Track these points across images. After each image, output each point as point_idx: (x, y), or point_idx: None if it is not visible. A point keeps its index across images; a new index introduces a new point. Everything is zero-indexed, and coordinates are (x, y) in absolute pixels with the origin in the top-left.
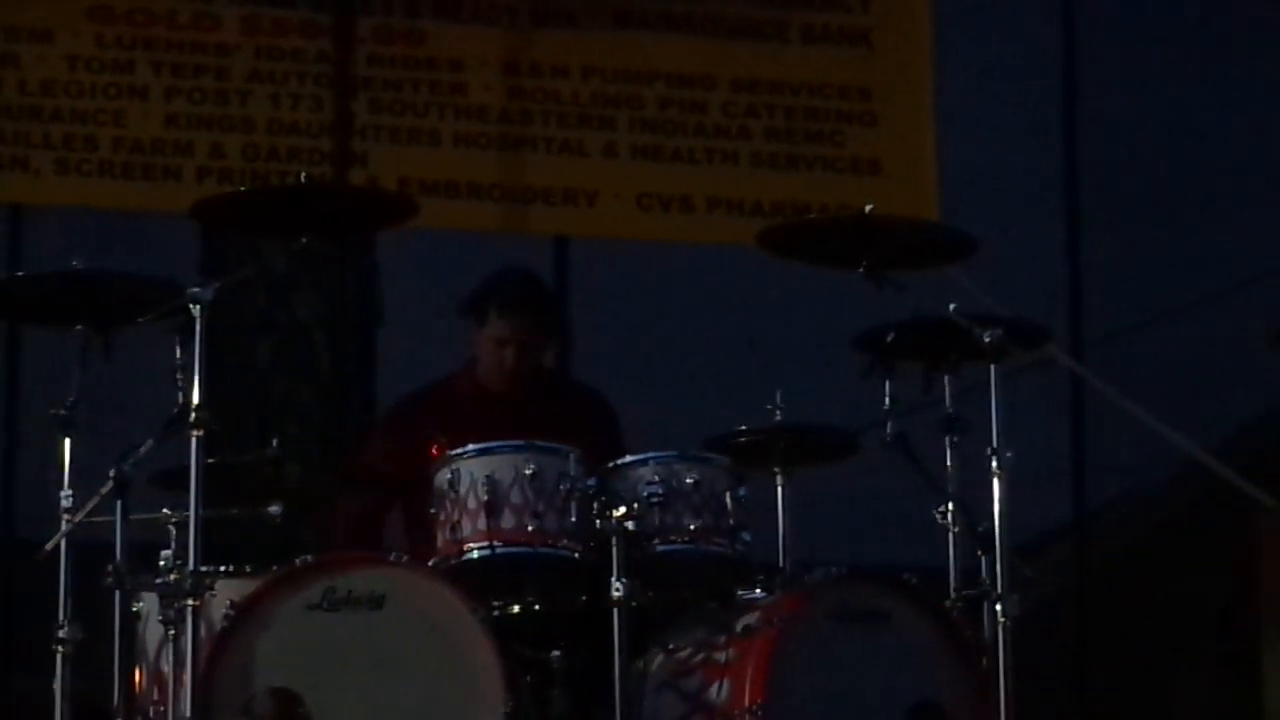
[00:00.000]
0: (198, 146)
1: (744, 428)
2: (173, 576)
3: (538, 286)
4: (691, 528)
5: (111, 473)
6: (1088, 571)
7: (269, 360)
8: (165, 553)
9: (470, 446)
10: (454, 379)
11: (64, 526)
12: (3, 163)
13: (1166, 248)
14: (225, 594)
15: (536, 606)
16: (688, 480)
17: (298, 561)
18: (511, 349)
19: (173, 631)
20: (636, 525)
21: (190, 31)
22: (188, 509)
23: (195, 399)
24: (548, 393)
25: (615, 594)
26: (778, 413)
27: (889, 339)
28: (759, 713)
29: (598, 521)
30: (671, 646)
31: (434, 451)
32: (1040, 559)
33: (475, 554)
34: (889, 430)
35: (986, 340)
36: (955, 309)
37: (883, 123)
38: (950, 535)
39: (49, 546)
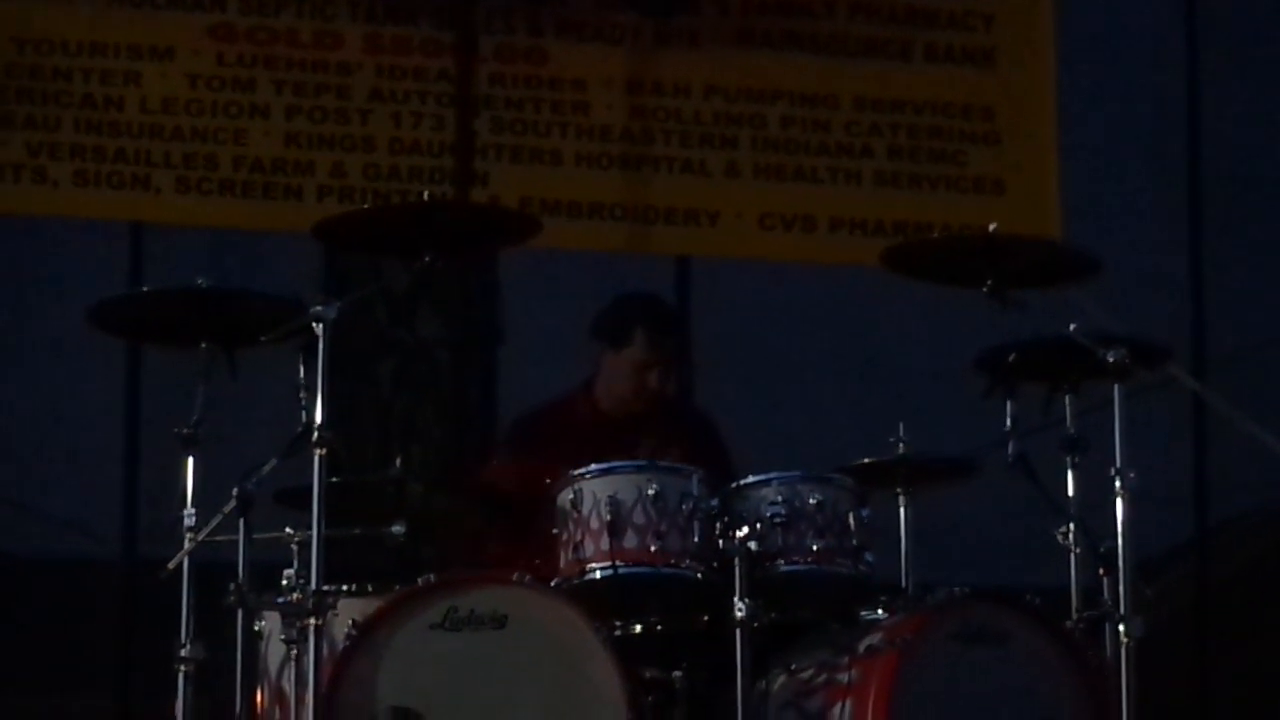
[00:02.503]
0: (319, 165)
1: (867, 460)
2: (295, 596)
3: (675, 310)
4: (814, 548)
5: (235, 491)
6: (1209, 592)
7: (390, 380)
8: (288, 572)
9: (593, 466)
10: (572, 400)
11: (187, 545)
12: (124, 181)
13: None
14: (347, 613)
15: (659, 626)
16: (811, 501)
17: (420, 581)
18: (656, 373)
19: (295, 651)
20: (759, 545)
21: (312, 50)
22: (310, 528)
23: (318, 418)
24: (660, 414)
25: (738, 614)
26: (900, 445)
27: (1010, 359)
28: None
29: (720, 541)
30: (794, 667)
31: (550, 475)
32: (1161, 579)
33: (598, 574)
34: (1010, 451)
35: (1110, 360)
36: (1076, 329)
37: (1006, 142)
38: (1071, 556)
39: (171, 565)
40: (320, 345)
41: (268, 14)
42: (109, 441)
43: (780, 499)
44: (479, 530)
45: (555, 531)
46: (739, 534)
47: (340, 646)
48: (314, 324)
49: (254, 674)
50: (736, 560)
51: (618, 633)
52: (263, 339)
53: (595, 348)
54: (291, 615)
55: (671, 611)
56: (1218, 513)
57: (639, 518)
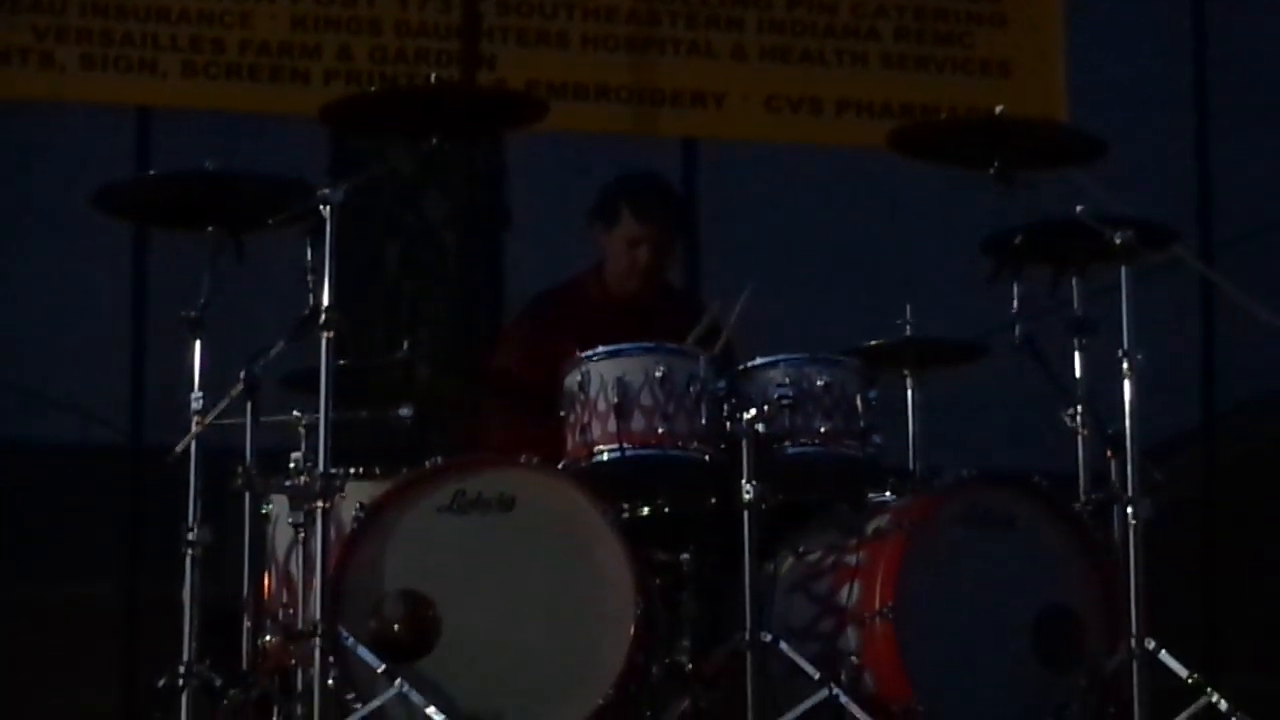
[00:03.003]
0: (325, 48)
1: (874, 342)
2: (302, 479)
3: (668, 187)
4: (822, 430)
5: (242, 375)
6: (1216, 475)
7: (397, 263)
8: (295, 455)
9: (600, 349)
10: (581, 281)
11: (194, 429)
12: (130, 65)
13: None
14: (355, 496)
15: (666, 509)
16: (818, 382)
17: (427, 464)
18: (645, 248)
19: (302, 534)
20: (767, 427)
21: None
22: (317, 411)
23: (325, 301)
24: (670, 298)
25: (745, 496)
26: (907, 326)
27: (1017, 241)
28: (889, 615)
29: (728, 424)
30: (801, 549)
31: (561, 355)
32: (1169, 462)
33: (605, 456)
34: (1017, 333)
35: (1117, 241)
36: (1083, 210)
37: (1012, 24)
38: (1079, 438)
39: (179, 449)
40: (327, 228)
41: None
42: (116, 326)
43: (787, 380)
44: (487, 413)
45: (562, 414)
46: (746, 416)
47: (347, 530)
48: (321, 207)
49: (261, 557)
50: (744, 442)
51: (625, 515)
52: (269, 222)
53: (595, 231)
54: (299, 498)
55: (679, 494)
56: (1225, 396)
57: (646, 399)
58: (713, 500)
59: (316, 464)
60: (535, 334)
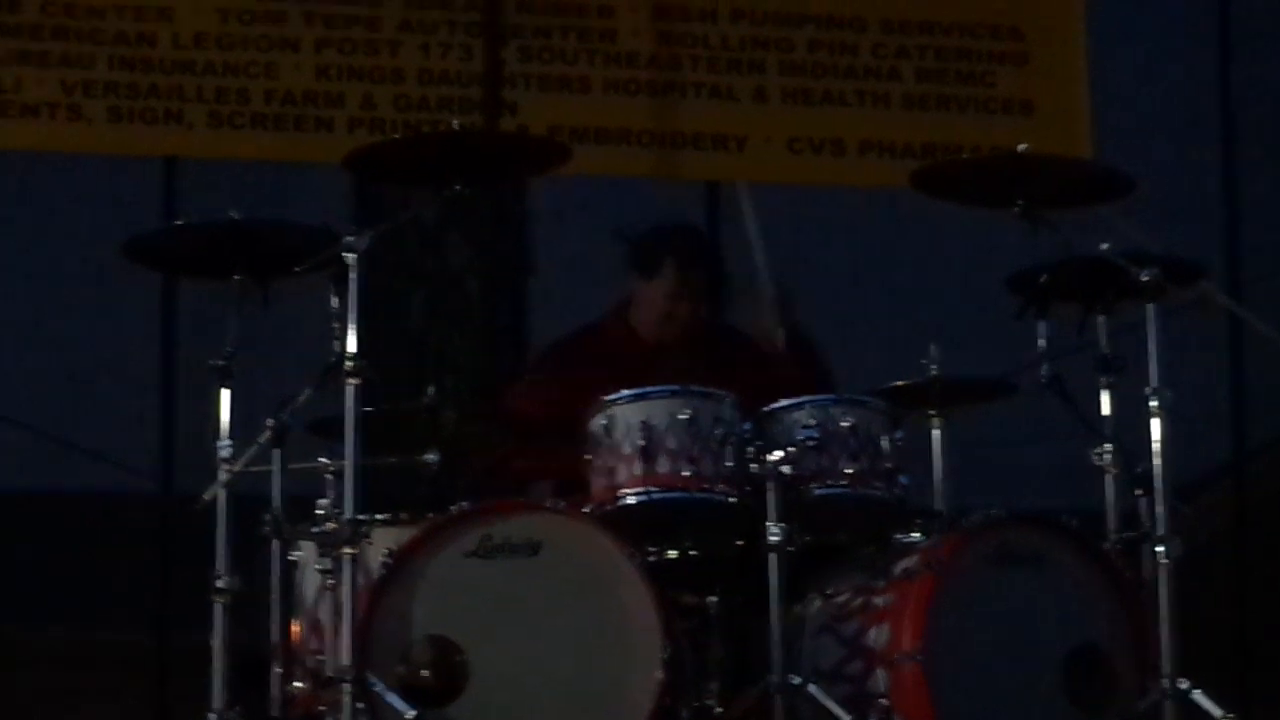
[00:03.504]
0: (349, 97)
1: (899, 383)
2: (330, 525)
3: (708, 242)
4: (848, 471)
5: (269, 422)
6: (1247, 513)
7: (422, 309)
8: (322, 502)
9: (625, 392)
10: (604, 326)
11: (222, 477)
12: (157, 116)
13: None
14: (382, 542)
15: (693, 552)
16: (844, 424)
17: (454, 509)
18: (686, 303)
19: (330, 580)
20: (793, 469)
21: None
22: (344, 458)
23: (351, 348)
24: (698, 339)
25: (772, 538)
26: (933, 367)
27: (1042, 280)
28: (918, 657)
29: (753, 466)
30: (829, 591)
31: (583, 399)
32: (1199, 500)
33: (631, 499)
34: (1044, 372)
35: (1144, 279)
36: (1109, 248)
37: (1034, 62)
38: (1108, 477)
39: (207, 496)
40: (352, 275)
41: None
42: (144, 375)
43: (813, 422)
44: (503, 454)
45: (588, 457)
46: (772, 458)
47: (375, 576)
48: (346, 254)
49: (290, 604)
50: (770, 484)
51: (652, 558)
52: (295, 270)
53: (630, 277)
54: (327, 545)
55: (705, 536)
56: (1255, 433)
57: (672, 442)
58: (739, 543)
59: (344, 510)
60: (558, 375)
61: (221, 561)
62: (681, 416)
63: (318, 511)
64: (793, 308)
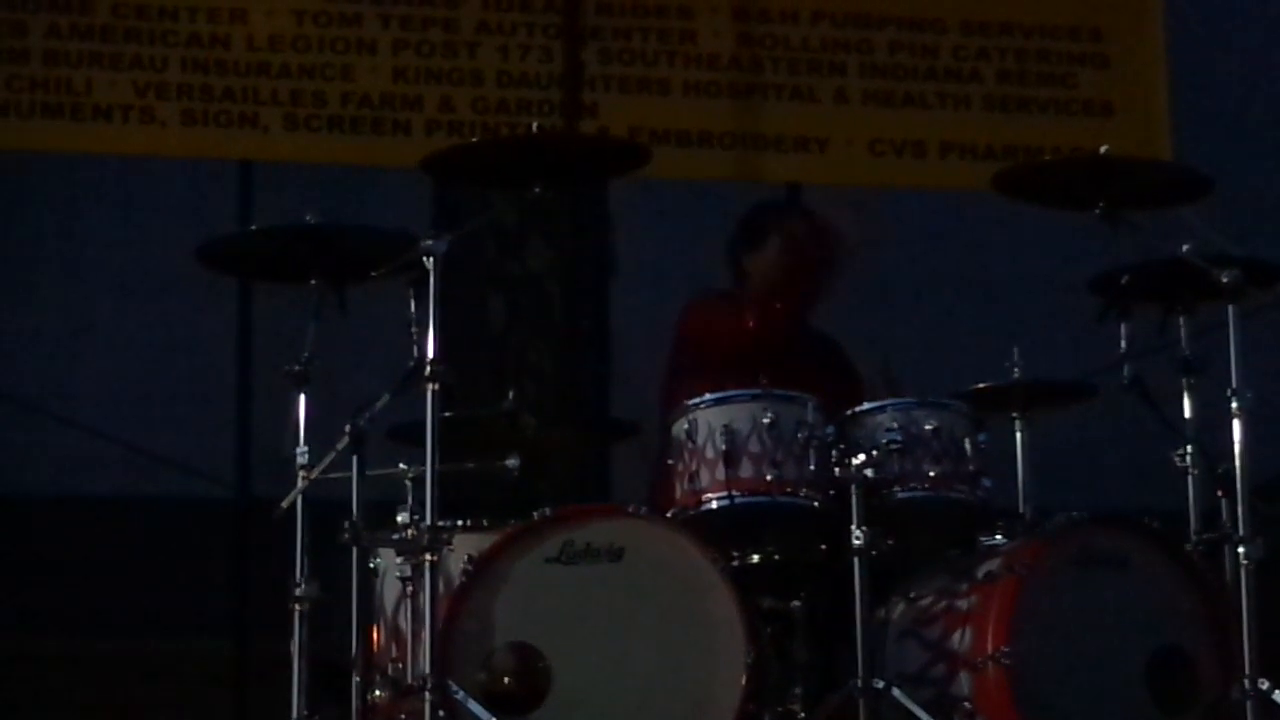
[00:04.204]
0: (427, 100)
1: (982, 385)
2: (410, 532)
3: (814, 214)
4: (931, 474)
5: (347, 428)
6: None
7: (502, 313)
8: (402, 508)
9: (707, 396)
10: (731, 296)
11: (300, 483)
12: (232, 120)
13: None
14: (463, 549)
15: (776, 556)
16: (927, 427)
17: (535, 515)
18: (797, 267)
19: (410, 588)
20: (876, 473)
21: None
22: (424, 464)
23: (430, 352)
24: (815, 342)
25: (855, 542)
26: (1016, 369)
27: (1124, 281)
28: (1002, 659)
29: (837, 469)
30: (913, 594)
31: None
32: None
33: (714, 504)
34: (1125, 374)
35: (1224, 281)
36: (1190, 250)
37: (1114, 64)
38: (1189, 478)
39: (285, 504)
40: (431, 279)
41: None
42: (221, 381)
43: (896, 425)
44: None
45: (670, 462)
46: (855, 461)
47: (456, 582)
48: (424, 258)
49: (370, 612)
50: (853, 488)
51: (735, 563)
52: (373, 274)
53: (740, 258)
54: (406, 552)
55: (789, 541)
56: None
57: (754, 446)
58: (823, 547)
59: (424, 517)
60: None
61: (300, 569)
62: (764, 420)
63: (397, 518)
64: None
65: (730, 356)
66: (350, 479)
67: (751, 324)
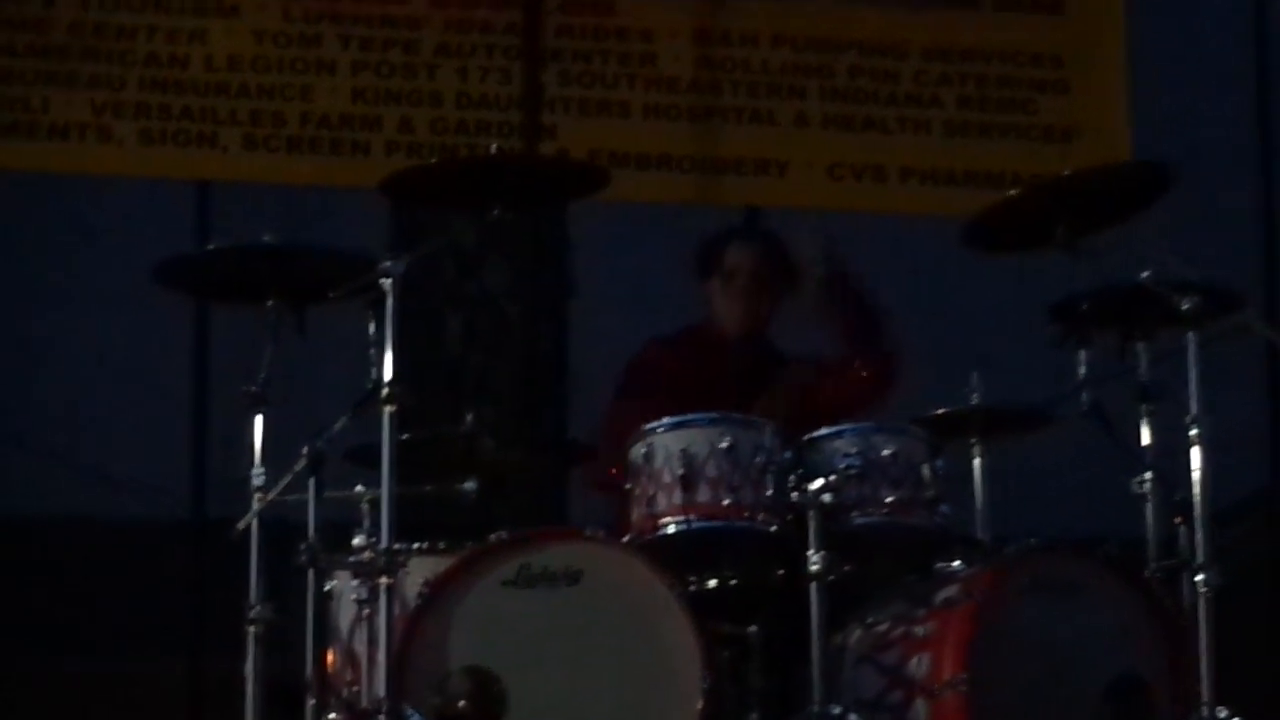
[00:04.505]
0: (386, 121)
1: (940, 411)
2: (366, 554)
3: (770, 234)
4: (889, 500)
5: (305, 450)
6: None
7: (460, 335)
8: (358, 530)
9: (665, 420)
10: (693, 331)
11: (256, 505)
12: (190, 139)
13: None
14: (419, 572)
15: (733, 581)
16: (885, 452)
17: (492, 538)
18: (741, 282)
19: (366, 610)
20: (833, 498)
21: (378, 5)
22: (381, 486)
23: (388, 374)
24: (774, 360)
25: (812, 567)
26: (974, 395)
27: (1083, 307)
28: (959, 686)
29: (794, 494)
30: (870, 620)
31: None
32: (1238, 526)
33: (671, 528)
34: (1084, 400)
35: (1184, 307)
36: (1149, 276)
37: (1075, 90)
38: (1148, 505)
39: (241, 525)
40: (389, 301)
41: None
42: (177, 401)
43: (854, 451)
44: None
45: (628, 486)
46: (813, 486)
47: (412, 605)
48: (382, 279)
49: (325, 634)
50: (810, 513)
51: (692, 588)
52: (331, 295)
53: (700, 288)
54: (363, 574)
55: (746, 566)
56: None
57: (712, 471)
58: (780, 572)
59: (380, 539)
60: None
61: (256, 590)
62: (722, 445)
63: (354, 540)
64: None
65: (678, 389)
66: (307, 501)
67: (702, 356)
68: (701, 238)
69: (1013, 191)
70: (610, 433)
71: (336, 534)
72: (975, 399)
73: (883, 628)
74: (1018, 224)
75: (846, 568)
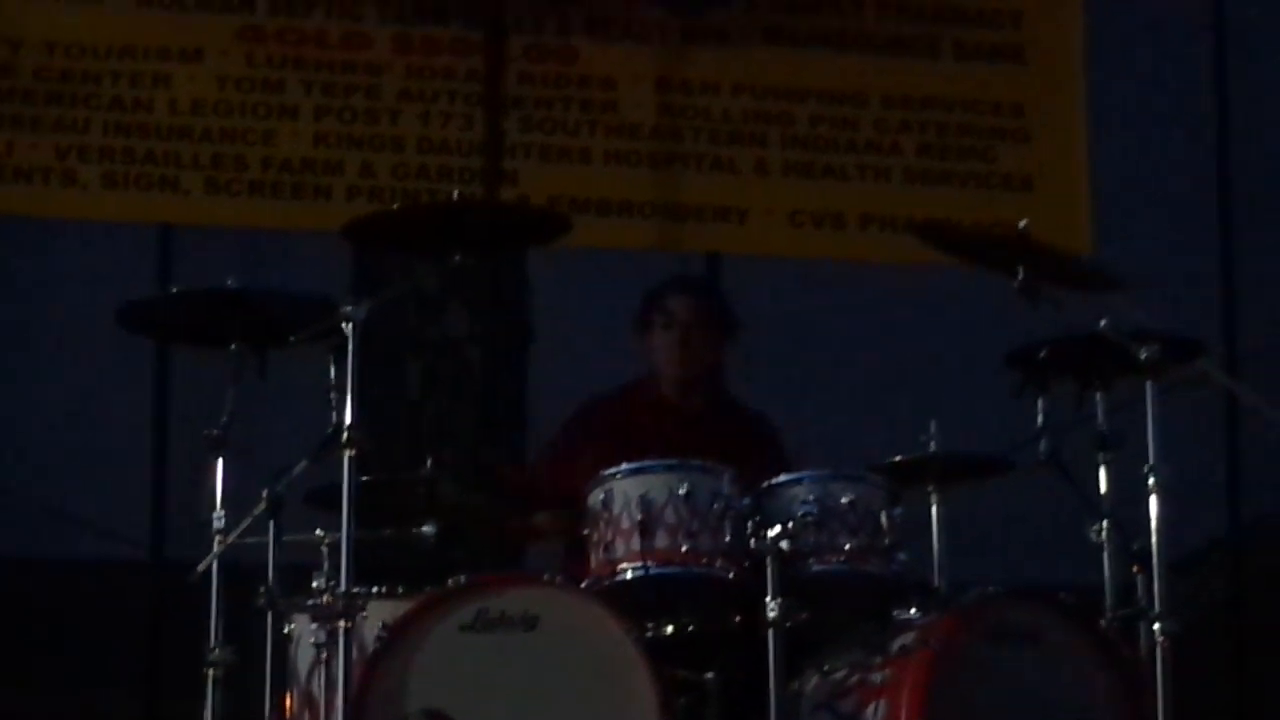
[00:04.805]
0: (348, 165)
1: (898, 458)
2: (325, 598)
3: (703, 279)
4: (846, 547)
5: (265, 493)
6: (1244, 588)
7: (420, 379)
8: (318, 574)
9: (624, 466)
10: (633, 387)
11: (216, 547)
12: (153, 182)
13: None
14: (377, 615)
15: (690, 627)
16: (843, 499)
17: (450, 582)
18: (677, 333)
19: (324, 654)
20: (791, 544)
21: (340, 50)
22: (340, 529)
23: (348, 418)
24: (722, 410)
25: (770, 614)
26: (932, 442)
27: (1041, 356)
28: None
29: (752, 541)
30: (827, 667)
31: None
32: (1195, 576)
33: (629, 574)
34: (1042, 448)
35: (1142, 356)
36: (1108, 325)
37: (1035, 139)
38: (1105, 553)
39: (201, 568)
40: (350, 345)
41: (296, 15)
42: (137, 443)
43: (812, 498)
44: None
45: (586, 532)
46: (771, 533)
47: (370, 649)
48: (344, 324)
49: (283, 677)
50: (768, 560)
51: (649, 633)
52: (293, 340)
53: (637, 342)
54: (321, 618)
55: (703, 612)
56: (1251, 509)
57: (670, 517)
58: (737, 618)
59: (339, 583)
60: (580, 444)
61: (215, 632)
62: (680, 491)
63: (313, 583)
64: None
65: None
66: (267, 544)
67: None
68: (642, 292)
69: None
70: (531, 487)
71: (296, 577)
72: (933, 446)
73: (840, 675)
74: (972, 247)
75: (804, 614)
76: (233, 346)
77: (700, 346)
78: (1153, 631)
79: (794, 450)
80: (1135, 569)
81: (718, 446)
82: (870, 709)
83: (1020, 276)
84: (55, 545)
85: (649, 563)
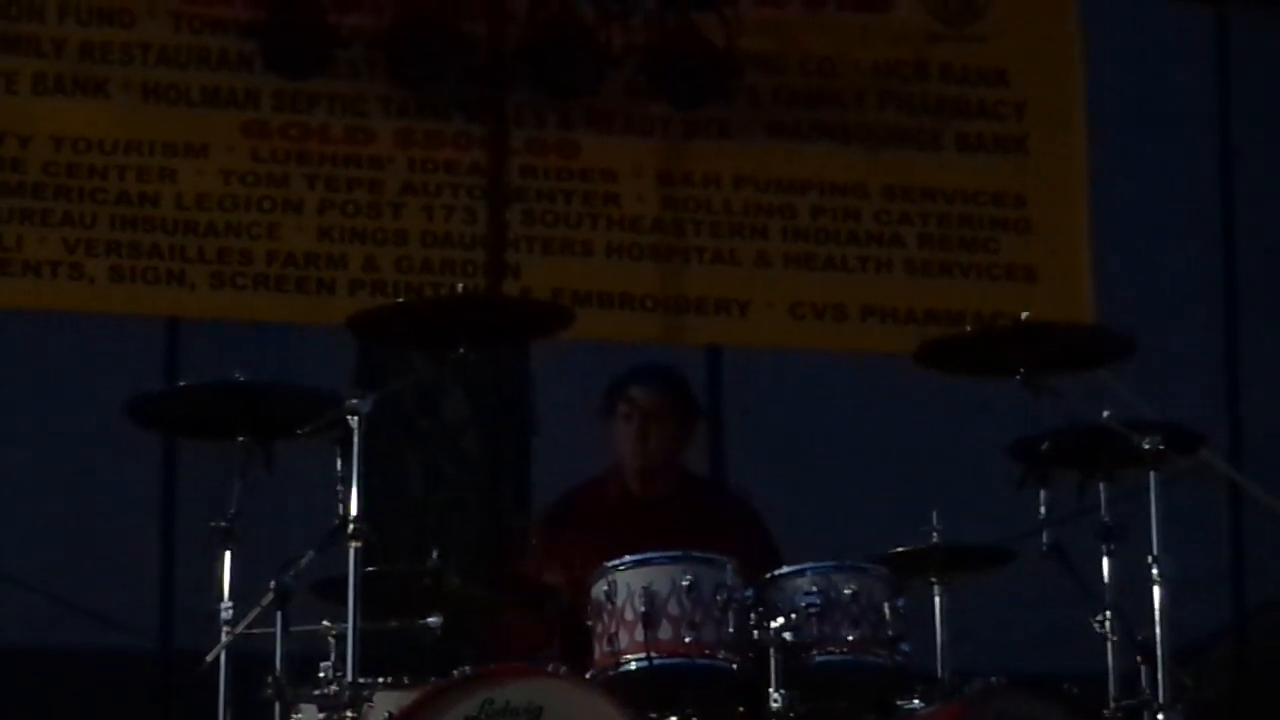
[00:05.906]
0: (351, 259)
1: (901, 549)
2: (332, 688)
3: (667, 368)
4: (850, 638)
5: (272, 584)
6: (1248, 677)
7: (424, 471)
8: (324, 664)
9: (627, 558)
10: (602, 479)
11: (224, 638)
12: (159, 276)
13: None
14: (384, 705)
15: (694, 718)
16: (846, 591)
17: (455, 673)
18: (637, 422)
19: None
20: (794, 636)
21: (344, 145)
22: (347, 620)
23: (354, 510)
24: (690, 496)
25: (773, 705)
26: (934, 533)
27: (1044, 447)
28: None
29: (755, 632)
30: None
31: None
32: (1198, 665)
33: (633, 665)
34: (1045, 539)
35: (1144, 447)
36: (1111, 415)
37: (1037, 230)
38: (1108, 644)
39: (210, 658)
40: (356, 437)
41: (300, 110)
42: (145, 535)
43: (815, 589)
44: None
45: (590, 623)
46: (774, 624)
47: None
48: (349, 416)
49: None
50: (771, 651)
51: None
52: (299, 432)
53: (605, 428)
54: (328, 708)
55: (707, 703)
56: (1255, 598)
57: (673, 608)
58: (741, 710)
59: (345, 673)
60: (556, 536)
61: None
62: (683, 582)
63: (320, 674)
64: None
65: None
66: (274, 634)
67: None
68: (608, 380)
69: (970, 325)
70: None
71: (303, 667)
72: (935, 537)
73: None
74: (976, 356)
75: (807, 705)
76: (239, 439)
77: (660, 436)
78: None
79: (782, 535)
80: (1139, 659)
81: (682, 534)
82: None
83: (1022, 372)
84: (63, 636)
85: (652, 654)
